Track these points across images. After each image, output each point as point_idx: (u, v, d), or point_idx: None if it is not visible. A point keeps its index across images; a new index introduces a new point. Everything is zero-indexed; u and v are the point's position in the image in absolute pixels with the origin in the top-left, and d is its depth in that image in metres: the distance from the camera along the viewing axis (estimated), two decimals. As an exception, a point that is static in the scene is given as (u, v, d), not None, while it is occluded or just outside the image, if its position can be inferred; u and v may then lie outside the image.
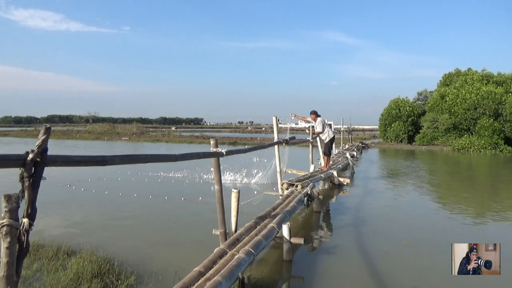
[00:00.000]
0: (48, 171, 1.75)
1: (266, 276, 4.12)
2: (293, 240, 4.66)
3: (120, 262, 4.34)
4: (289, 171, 10.43)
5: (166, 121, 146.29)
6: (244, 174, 11.13)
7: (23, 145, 22.98)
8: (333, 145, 10.87)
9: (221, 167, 4.41)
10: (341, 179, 10.56)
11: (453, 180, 13.14)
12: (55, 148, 19.82)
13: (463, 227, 6.70)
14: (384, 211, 7.82)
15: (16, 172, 1.67)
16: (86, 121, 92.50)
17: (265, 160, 10.99)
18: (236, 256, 3.46)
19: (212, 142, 4.35)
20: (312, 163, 11.19)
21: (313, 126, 10.65)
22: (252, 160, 12.14)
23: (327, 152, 10.70)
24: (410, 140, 33.23)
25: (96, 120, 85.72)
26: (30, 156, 1.64)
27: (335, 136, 11.49)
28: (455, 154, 24.81)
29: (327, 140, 10.42)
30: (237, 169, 11.45)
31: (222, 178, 4.54)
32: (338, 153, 17.26)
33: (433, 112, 31.26)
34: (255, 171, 11.11)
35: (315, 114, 10.27)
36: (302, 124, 33.30)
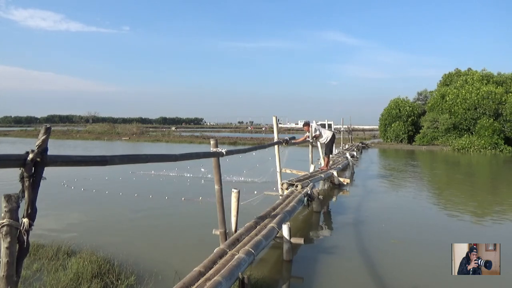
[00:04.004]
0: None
1: (266, 276, 4.12)
2: (293, 240, 4.66)
3: (120, 262, 4.34)
4: (289, 171, 10.43)
5: (166, 121, 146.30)
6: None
7: (10, 145, 22.97)
8: (334, 144, 11.00)
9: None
10: (341, 179, 10.56)
11: (453, 180, 13.14)
12: (54, 148, 19.80)
13: (464, 226, 6.71)
14: (384, 211, 7.82)
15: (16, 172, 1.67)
16: (86, 121, 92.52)
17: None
18: (236, 256, 3.46)
19: (212, 142, 4.35)
20: (312, 163, 11.18)
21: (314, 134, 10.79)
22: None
23: (328, 152, 10.79)
24: (410, 140, 33.23)
25: (96, 120, 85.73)
26: (30, 156, 1.64)
27: (335, 136, 11.56)
28: (455, 154, 24.80)
29: (328, 141, 10.56)
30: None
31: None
32: (338, 153, 17.26)
33: (433, 112, 31.26)
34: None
35: (307, 125, 10.65)
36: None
